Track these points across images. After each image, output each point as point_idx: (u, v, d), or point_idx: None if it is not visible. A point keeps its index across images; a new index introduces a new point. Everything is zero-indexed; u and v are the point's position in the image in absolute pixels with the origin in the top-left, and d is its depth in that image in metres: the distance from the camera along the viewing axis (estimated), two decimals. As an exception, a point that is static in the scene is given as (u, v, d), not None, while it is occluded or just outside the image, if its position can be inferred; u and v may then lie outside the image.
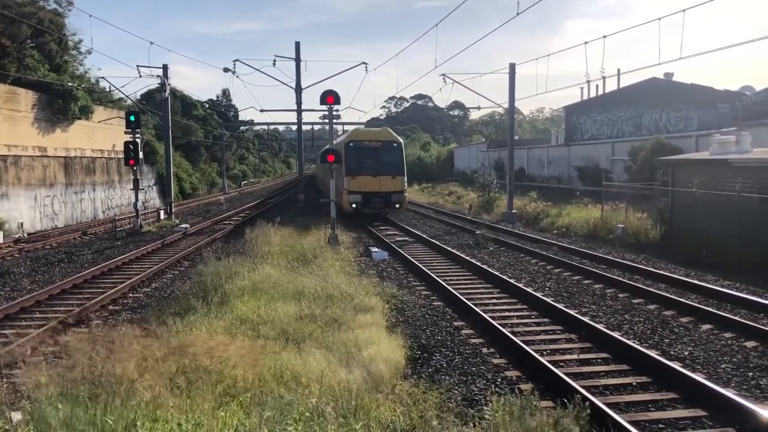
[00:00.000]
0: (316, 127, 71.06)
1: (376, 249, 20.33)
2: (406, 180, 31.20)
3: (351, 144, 31.00)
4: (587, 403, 6.68)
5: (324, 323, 10.60)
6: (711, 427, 7.47)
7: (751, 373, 9.26)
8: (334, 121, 25.21)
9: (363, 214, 31.03)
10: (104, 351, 7.19)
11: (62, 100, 34.08)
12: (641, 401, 8.22)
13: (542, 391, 8.33)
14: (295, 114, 36.51)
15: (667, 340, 10.95)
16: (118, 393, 5.82)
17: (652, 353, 9.83)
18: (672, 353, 10.21)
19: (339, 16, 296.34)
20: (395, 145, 31.58)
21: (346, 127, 49.45)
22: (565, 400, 6.62)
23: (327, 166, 24.48)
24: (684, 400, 8.17)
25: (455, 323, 12.10)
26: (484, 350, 10.44)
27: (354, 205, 30.33)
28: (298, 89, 35.77)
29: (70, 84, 35.07)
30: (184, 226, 30.50)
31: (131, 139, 29.07)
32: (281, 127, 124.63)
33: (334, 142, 27.92)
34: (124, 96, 41.64)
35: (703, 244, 19.63)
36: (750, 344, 10.63)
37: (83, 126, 36.92)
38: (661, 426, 7.49)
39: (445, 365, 9.56)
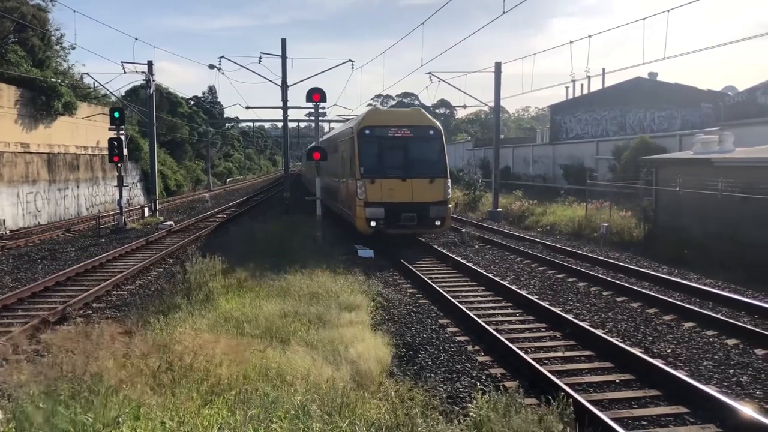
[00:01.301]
0: (302, 125, 70.85)
1: (361, 247, 20.31)
2: (450, 184, 20.96)
3: (366, 132, 20.84)
4: (571, 400, 6.72)
5: (309, 321, 10.60)
6: (692, 423, 7.55)
7: (732, 371, 9.36)
8: (320, 118, 25.14)
9: (387, 236, 20.65)
10: (87, 349, 7.15)
11: (45, 97, 33.72)
12: (624, 398, 8.29)
13: (527, 388, 8.37)
14: (281, 111, 36.34)
15: (650, 338, 11.04)
16: (100, 391, 5.78)
17: (636, 351, 9.91)
18: (655, 351, 10.30)
19: (325, 13, 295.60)
20: (432, 132, 21.20)
21: (333, 125, 49.03)
22: (550, 398, 6.66)
23: (315, 163, 22.75)
24: (666, 397, 8.25)
25: (441, 321, 12.13)
26: (469, 348, 10.47)
27: (373, 224, 19.98)
28: (284, 86, 35.61)
29: (53, 80, 34.71)
30: (168, 223, 30.30)
31: (115, 136, 28.82)
32: (267, 125, 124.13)
33: (339, 131, 24.81)
34: (108, 92, 41.42)
35: (686, 242, 19.80)
36: (731, 342, 10.74)
37: (67, 122, 36.56)
38: (643, 423, 7.55)
39: (430, 363, 9.59)
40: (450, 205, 20.98)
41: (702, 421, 7.55)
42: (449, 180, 20.97)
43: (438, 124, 22.00)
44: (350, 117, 46.02)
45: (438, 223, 20.40)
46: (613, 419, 7.22)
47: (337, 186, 25.95)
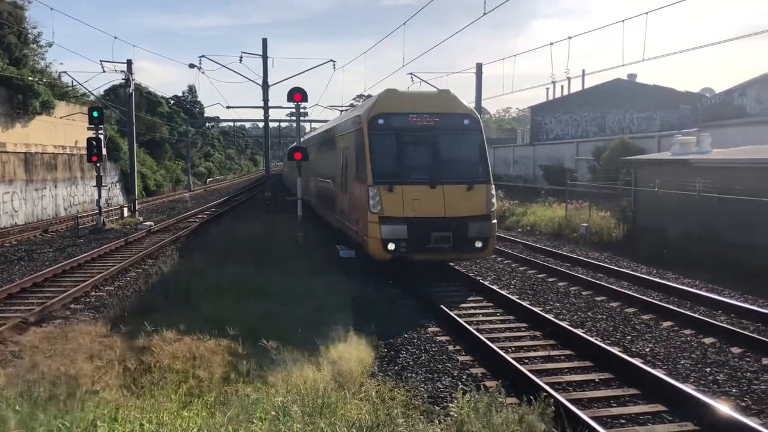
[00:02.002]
0: (284, 125, 70.64)
1: (343, 248, 20.26)
2: (494, 192, 15.74)
3: (380, 121, 15.66)
4: (551, 399, 6.76)
5: (290, 321, 10.55)
6: (670, 421, 7.63)
7: (709, 369, 9.47)
8: (302, 118, 25.07)
9: (411, 263, 15.29)
10: (65, 350, 7.07)
11: (22, 95, 33.26)
12: (604, 397, 8.36)
13: (508, 388, 8.41)
14: (262, 111, 36.22)
15: (629, 337, 11.14)
16: (78, 394, 5.72)
17: (615, 350, 10.00)
18: (634, 350, 10.40)
19: (306, 13, 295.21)
20: (468, 121, 16.03)
21: (314, 125, 48.83)
22: (530, 397, 6.69)
23: (296, 164, 22.10)
24: (645, 396, 8.33)
25: (421, 320, 12.14)
26: (450, 348, 10.50)
27: (392, 247, 14.73)
28: (265, 86, 35.51)
29: (30, 78, 34.28)
30: (148, 223, 30.06)
31: (94, 136, 28.54)
32: (248, 124, 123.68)
33: (337, 122, 20.53)
34: (87, 91, 40.98)
35: (664, 242, 20.01)
36: (708, 341, 10.87)
37: (44, 121, 36.11)
38: (622, 421, 7.63)
39: (411, 363, 9.60)
40: (495, 221, 15.33)
41: (679, 419, 7.64)
42: (493, 186, 15.53)
43: (475, 111, 16.57)
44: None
45: (479, 244, 14.93)
46: (593, 418, 7.28)
47: (333, 192, 21.05)
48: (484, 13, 21.27)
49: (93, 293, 15.41)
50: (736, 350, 10.33)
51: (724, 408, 7.53)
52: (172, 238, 25.24)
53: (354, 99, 25.54)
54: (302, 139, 34.36)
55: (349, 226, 17.82)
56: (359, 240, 16.20)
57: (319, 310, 11.43)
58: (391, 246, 14.61)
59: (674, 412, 7.79)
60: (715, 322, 11.78)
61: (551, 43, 32.13)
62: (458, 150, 15.69)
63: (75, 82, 37.80)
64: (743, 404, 8.17)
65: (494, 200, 15.43)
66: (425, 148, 15.59)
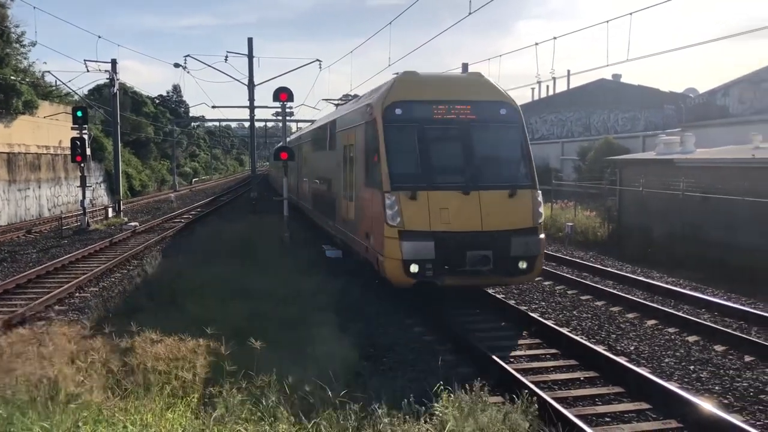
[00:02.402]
0: (270, 124, 70.50)
1: (329, 247, 20.21)
2: (540, 197, 12.80)
3: (398, 111, 12.82)
4: (535, 398, 6.79)
5: (276, 322, 10.51)
6: (654, 419, 7.69)
7: (692, 367, 9.55)
8: (288, 118, 24.99)
9: (437, 290, 12.30)
10: (47, 352, 7.00)
11: (4, 95, 32.93)
12: (588, 395, 8.41)
13: (493, 387, 8.42)
14: (247, 111, 36.08)
15: (614, 336, 11.21)
16: (59, 396, 5.67)
17: (600, 348, 10.05)
18: (618, 348, 10.46)
19: (292, 13, 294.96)
20: (505, 111, 13.14)
21: (300, 125, 48.69)
22: (515, 395, 6.71)
23: (282, 164, 21.68)
24: (629, 394, 8.39)
25: (407, 321, 12.13)
26: (436, 347, 10.49)
27: (415, 269, 11.77)
28: (251, 85, 35.38)
29: (13, 78, 33.94)
30: (133, 224, 29.86)
31: (78, 135, 28.36)
32: (234, 124, 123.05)
33: (338, 114, 17.56)
34: (71, 91, 40.67)
35: (649, 241, 20.16)
36: (692, 339, 10.96)
37: (28, 121, 35.77)
38: (607, 419, 7.67)
39: (397, 362, 9.58)
40: (543, 236, 12.37)
41: (664, 416, 7.70)
42: (539, 192, 12.60)
43: (513, 100, 13.50)
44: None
45: (524, 265, 11.98)
46: (578, 416, 7.31)
47: (331, 196, 18.19)
48: (470, 13, 21.18)
49: (77, 294, 15.28)
50: (719, 348, 10.42)
51: (707, 405, 7.60)
52: (157, 238, 25.09)
53: (340, 98, 25.01)
54: (293, 137, 33.85)
55: (355, 239, 14.65)
56: (370, 259, 13.15)
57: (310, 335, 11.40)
58: (414, 268, 11.55)
59: (658, 410, 7.85)
60: (698, 320, 11.88)
61: (536, 44, 32.21)
62: (496, 146, 12.94)
63: (59, 82, 37.48)
64: (726, 401, 8.24)
65: (541, 209, 12.53)
66: (455, 145, 12.67)
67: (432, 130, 12.62)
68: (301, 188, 27.14)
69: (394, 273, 11.84)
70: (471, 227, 11.80)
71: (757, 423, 7.59)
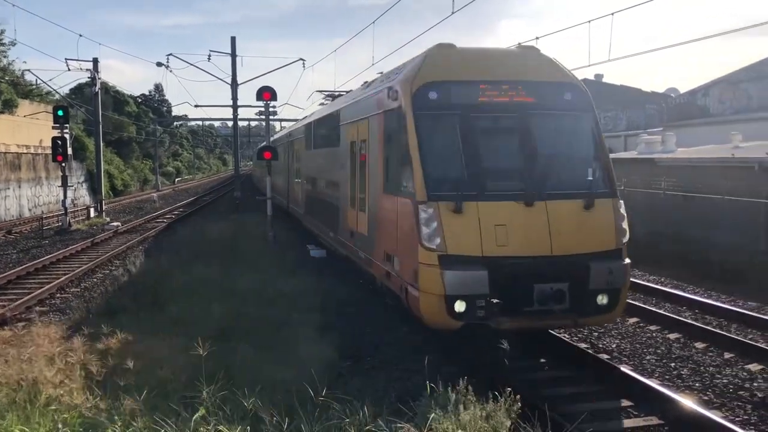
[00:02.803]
0: (254, 124, 70.20)
1: (314, 247, 20.17)
2: (623, 208, 9.88)
3: (432, 95, 9.72)
4: (518, 396, 6.81)
5: (260, 322, 10.48)
6: (636, 416, 7.76)
7: (673, 364, 9.65)
8: (271, 117, 24.92)
9: (494, 333, 8.58)
10: (28, 354, 6.94)
11: (-16, 94, 32.61)
12: (571, 394, 8.45)
13: (475, 385, 8.44)
14: (231, 110, 35.92)
15: (596, 334, 11.28)
16: (39, 399, 5.62)
17: (582, 346, 10.12)
18: (600, 346, 10.54)
19: (275, 12, 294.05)
20: (571, 96, 10.14)
21: (284, 124, 48.50)
22: (497, 394, 6.73)
23: (266, 163, 21.47)
24: (611, 392, 8.45)
25: (393, 321, 12.12)
26: (419, 347, 10.49)
27: (462, 308, 8.66)
28: (234, 85, 35.24)
29: (-8, 76, 33.59)
30: (115, 224, 29.64)
31: (59, 135, 28.17)
32: (217, 123, 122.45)
33: (345, 102, 14.95)
34: (52, 90, 40.27)
35: (631, 240, 20.27)
36: (673, 336, 11.07)
37: (7, 120, 35.37)
38: (589, 417, 7.71)
39: (381, 361, 9.58)
40: (628, 261, 9.57)
41: (645, 413, 7.77)
42: (621, 202, 9.93)
43: (580, 81, 10.62)
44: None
45: (604, 300, 9.13)
46: (560, 414, 7.34)
47: (334, 203, 15.44)
48: (452, 12, 21.20)
49: (58, 295, 15.15)
50: (699, 345, 10.53)
51: (687, 402, 7.68)
52: (139, 238, 24.94)
53: (324, 98, 24.59)
54: (283, 132, 32.99)
55: (368, 259, 11.84)
56: (393, 288, 10.31)
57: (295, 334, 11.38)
58: (460, 307, 8.64)
59: (640, 407, 7.92)
60: (680, 318, 12.00)
61: (519, 44, 32.29)
62: (564, 141, 10.02)
63: (39, 81, 37.03)
64: (706, 398, 8.34)
65: (625, 224, 9.69)
66: (510, 139, 9.83)
67: (479, 120, 9.66)
68: (293, 191, 24.84)
69: (431, 312, 8.90)
70: (537, 250, 8.91)
71: (737, 419, 7.69)
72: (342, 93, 22.35)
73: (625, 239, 9.56)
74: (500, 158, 9.78)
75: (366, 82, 15.34)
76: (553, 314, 8.91)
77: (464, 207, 8.82)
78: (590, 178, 9.60)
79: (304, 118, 27.45)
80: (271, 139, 26.69)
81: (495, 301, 8.51)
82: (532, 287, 8.77)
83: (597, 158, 9.94)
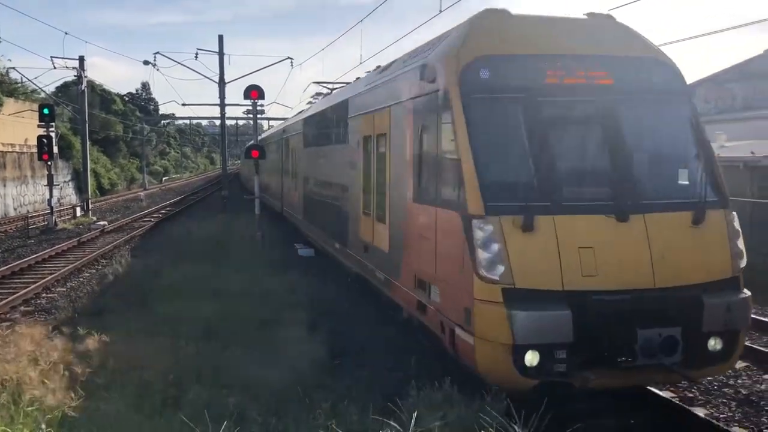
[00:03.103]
0: (241, 122, 70.04)
1: (302, 246, 20.15)
2: (737, 222, 7.29)
3: (483, 73, 7.32)
4: (504, 394, 6.83)
5: (247, 321, 10.46)
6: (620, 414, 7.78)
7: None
8: (259, 116, 24.84)
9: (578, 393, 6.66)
10: (11, 354, 6.89)
11: (-32, 92, 32.34)
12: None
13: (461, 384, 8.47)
14: (218, 108, 35.77)
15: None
16: (22, 400, 5.59)
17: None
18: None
19: (264, 11, 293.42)
20: (661, 75, 7.87)
21: (272, 123, 48.37)
22: (484, 392, 6.75)
23: (254, 162, 20.92)
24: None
25: (380, 320, 12.12)
26: (406, 345, 10.50)
27: (535, 361, 6.46)
28: (222, 83, 35.06)
29: (-24, 74, 33.32)
30: (101, 223, 29.51)
31: (45, 133, 28.02)
32: (204, 122, 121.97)
33: (361, 87, 12.52)
34: (37, 88, 39.98)
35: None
36: None
37: (-8, 119, 35.13)
38: (573, 415, 7.76)
39: (368, 361, 9.57)
40: (748, 293, 7.15)
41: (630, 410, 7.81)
42: (734, 214, 7.47)
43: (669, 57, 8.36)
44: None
45: (717, 346, 6.95)
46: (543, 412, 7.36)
47: (341, 210, 13.48)
48: (440, 11, 21.22)
49: (44, 295, 15.07)
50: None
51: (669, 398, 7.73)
52: (126, 237, 24.88)
53: (313, 97, 24.13)
54: (277, 129, 32.22)
55: (394, 284, 9.49)
56: (431, 326, 8.01)
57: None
58: (533, 359, 6.56)
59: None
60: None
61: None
62: (658, 135, 7.79)
63: (24, 79, 36.84)
64: (691, 395, 8.42)
65: (742, 244, 7.32)
66: (590, 131, 7.62)
67: (549, 106, 7.38)
68: (289, 193, 22.79)
69: (492, 367, 6.78)
70: (636, 282, 6.73)
71: (721, 416, 7.76)
72: (343, 84, 20.08)
73: (743, 264, 7.20)
74: (580, 157, 7.51)
75: (379, 67, 12.88)
76: (657, 369, 6.73)
77: (538, 223, 6.63)
78: (694, 182, 7.34)
79: (300, 111, 25.25)
80: (263, 136, 26.10)
81: (581, 352, 6.48)
82: (635, 333, 6.52)
83: (700, 156, 7.59)
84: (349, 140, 12.68)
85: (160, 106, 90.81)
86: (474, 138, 7.05)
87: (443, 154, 7.59)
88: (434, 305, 7.74)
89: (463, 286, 6.85)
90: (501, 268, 6.53)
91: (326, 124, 15.85)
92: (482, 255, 6.59)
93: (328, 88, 22.67)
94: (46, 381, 6.00)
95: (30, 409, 5.45)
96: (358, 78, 15.77)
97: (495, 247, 6.57)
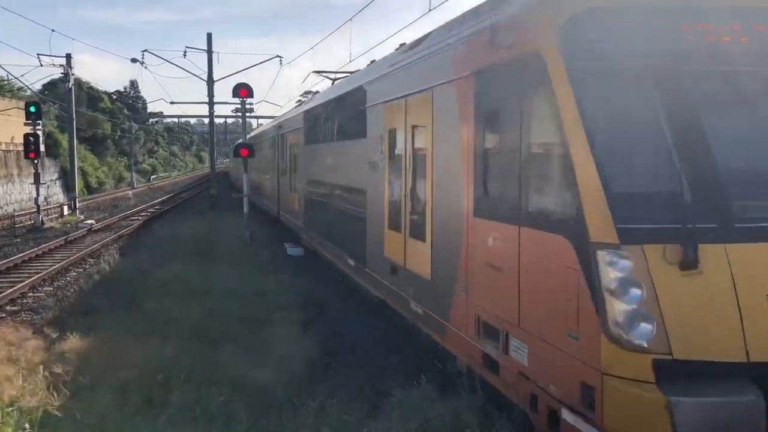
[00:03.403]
0: (230, 121, 69.87)
1: (291, 245, 20.18)
2: None
3: (591, 35, 4.90)
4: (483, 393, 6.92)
5: (237, 321, 10.50)
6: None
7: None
8: (248, 114, 24.87)
9: None
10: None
11: (-47, 89, 32.13)
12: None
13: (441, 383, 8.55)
14: (207, 107, 35.73)
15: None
16: (3, 399, 5.62)
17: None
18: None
19: (253, 9, 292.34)
20: None
21: (261, 121, 48.32)
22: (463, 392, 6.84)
23: (242, 160, 21.09)
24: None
25: (370, 320, 12.19)
26: (392, 345, 10.58)
27: None
28: (210, 81, 35.03)
29: (-38, 72, 33.08)
30: (89, 222, 29.40)
31: (32, 131, 27.85)
32: (193, 120, 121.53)
33: (386, 67, 10.02)
34: (23, 86, 39.73)
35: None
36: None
37: (-22, 117, 34.89)
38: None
39: (356, 361, 9.64)
40: None
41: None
42: None
43: None
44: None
45: None
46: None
47: (356, 219, 11.52)
48: (429, 10, 21.23)
49: (30, 294, 15.03)
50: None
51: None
52: (114, 236, 24.78)
53: (302, 95, 23.75)
54: (273, 123, 31.33)
55: (439, 323, 7.46)
56: (511, 394, 5.82)
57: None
58: None
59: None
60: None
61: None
62: None
63: (10, 76, 36.57)
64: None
65: None
66: (757, 116, 5.16)
67: (701, 79, 5.12)
68: (287, 197, 20.79)
69: None
70: None
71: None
72: (347, 74, 17.68)
73: None
74: (756, 155, 5.09)
75: (404, 44, 10.71)
76: None
77: (702, 254, 4.40)
78: None
79: (299, 103, 23.06)
80: (255, 132, 25.57)
81: None
82: None
83: None
84: (368, 134, 10.57)
85: (148, 105, 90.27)
86: (591, 126, 4.73)
87: (532, 150, 5.41)
88: (516, 366, 5.52)
89: (580, 350, 4.62)
90: (648, 328, 4.29)
91: (335, 117, 13.70)
92: (617, 306, 4.34)
93: (330, 78, 21.10)
94: (25, 381, 6.02)
95: (9, 409, 5.46)
96: (373, 61, 13.44)
97: (637, 293, 4.32)
